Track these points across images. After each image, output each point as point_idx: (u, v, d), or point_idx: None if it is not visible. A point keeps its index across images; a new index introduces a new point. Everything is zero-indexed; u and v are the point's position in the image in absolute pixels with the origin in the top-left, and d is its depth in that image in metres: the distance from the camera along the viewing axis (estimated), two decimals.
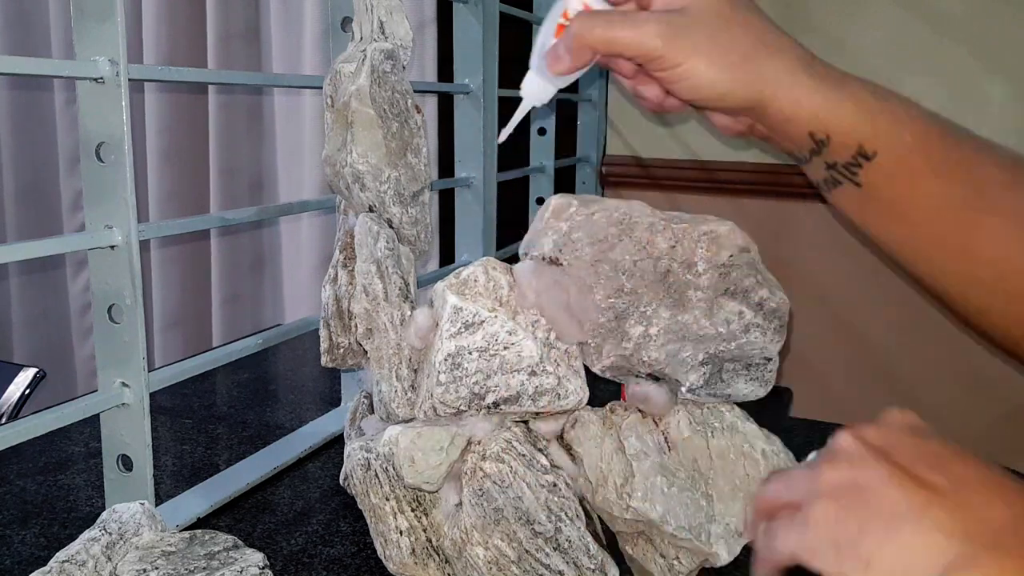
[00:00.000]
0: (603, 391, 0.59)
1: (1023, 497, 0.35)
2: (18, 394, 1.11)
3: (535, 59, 0.53)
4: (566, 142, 1.31)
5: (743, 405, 0.56)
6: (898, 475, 0.35)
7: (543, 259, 0.52)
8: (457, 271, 0.52)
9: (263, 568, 0.51)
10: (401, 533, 0.55)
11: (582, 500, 0.54)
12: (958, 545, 0.33)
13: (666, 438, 0.55)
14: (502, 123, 1.00)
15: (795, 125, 0.47)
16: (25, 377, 1.13)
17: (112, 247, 0.57)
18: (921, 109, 0.47)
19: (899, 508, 0.34)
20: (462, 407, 0.51)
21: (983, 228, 0.46)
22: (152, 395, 0.59)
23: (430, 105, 1.34)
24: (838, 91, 0.46)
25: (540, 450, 0.53)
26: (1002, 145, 0.48)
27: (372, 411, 0.61)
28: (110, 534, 0.51)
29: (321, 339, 0.63)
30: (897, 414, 0.41)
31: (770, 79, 0.46)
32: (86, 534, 0.51)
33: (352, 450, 0.57)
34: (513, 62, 1.16)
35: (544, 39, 0.52)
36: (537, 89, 0.53)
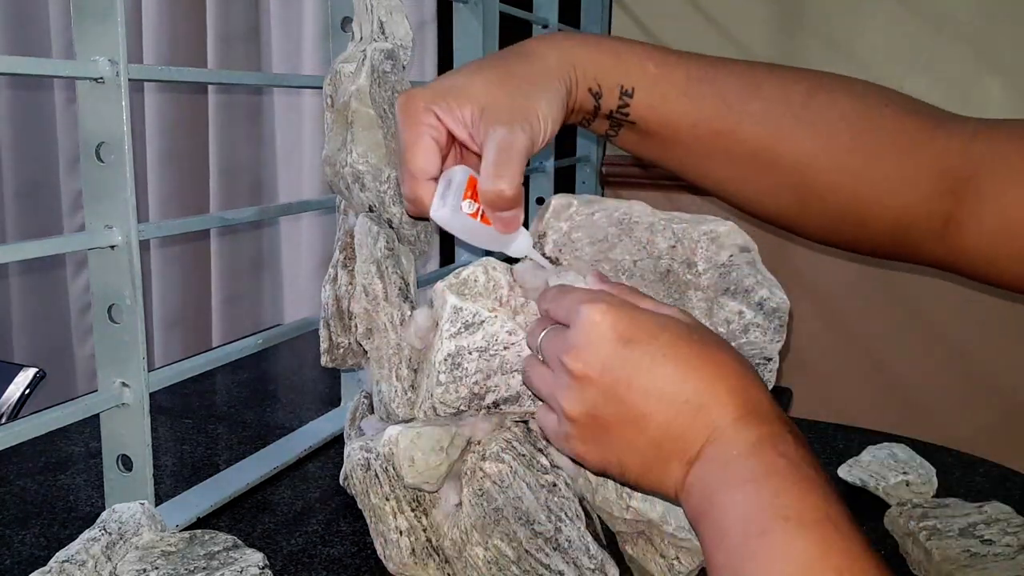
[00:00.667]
0: None
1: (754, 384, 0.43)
2: (18, 394, 1.11)
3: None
4: (566, 142, 1.31)
5: None
6: (632, 410, 0.43)
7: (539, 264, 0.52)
8: (457, 271, 0.52)
9: (263, 568, 0.51)
10: (401, 533, 0.55)
11: (582, 500, 0.54)
12: (684, 461, 0.42)
13: None
14: None
15: (580, 89, 0.54)
16: (25, 377, 1.13)
17: (112, 247, 0.57)
18: (670, 50, 0.56)
19: (644, 449, 0.43)
20: (462, 407, 0.51)
21: (734, 133, 0.54)
22: (152, 395, 0.59)
23: None
24: (598, 47, 0.54)
25: (540, 450, 0.53)
26: (759, 62, 0.57)
27: (372, 411, 0.61)
28: (110, 534, 0.51)
29: (321, 339, 0.63)
30: (599, 318, 0.44)
31: (564, 70, 0.54)
32: (86, 534, 0.51)
33: (352, 450, 0.57)
34: None
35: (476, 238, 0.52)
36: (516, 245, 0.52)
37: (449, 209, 0.50)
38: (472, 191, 0.50)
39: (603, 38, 0.56)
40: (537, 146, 0.51)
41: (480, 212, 0.50)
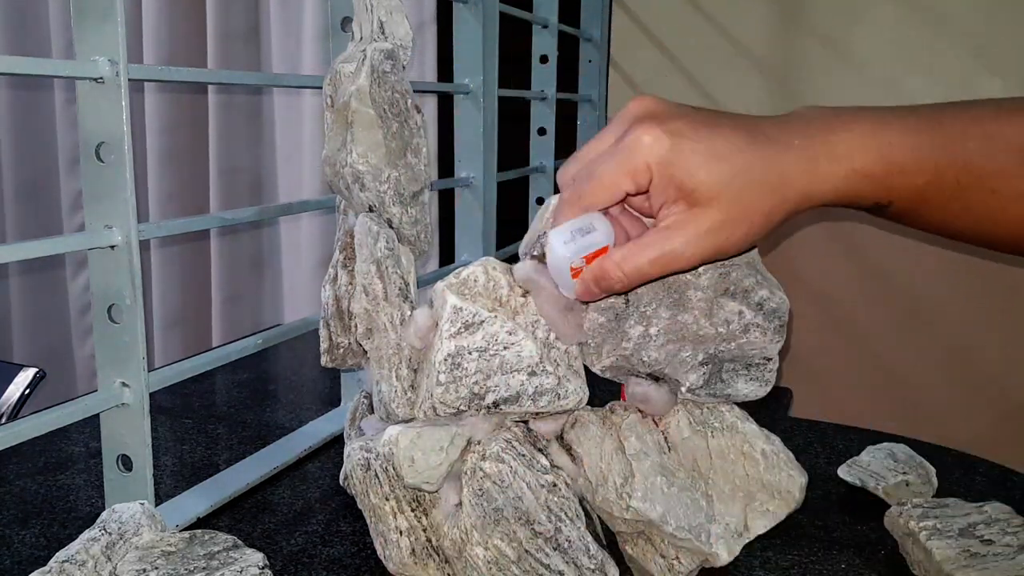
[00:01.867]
0: (603, 391, 0.59)
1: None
2: (18, 394, 1.11)
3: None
4: (566, 142, 1.31)
5: (743, 405, 0.56)
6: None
7: (543, 259, 0.52)
8: (457, 271, 0.52)
9: (263, 568, 0.51)
10: (401, 533, 0.55)
11: (582, 500, 0.54)
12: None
13: (666, 438, 0.55)
14: (502, 122, 1.00)
15: (818, 205, 0.49)
16: (25, 377, 1.13)
17: (112, 247, 0.57)
18: (934, 138, 0.49)
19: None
20: (462, 407, 0.51)
21: (998, 217, 0.49)
22: (152, 395, 0.59)
23: (430, 105, 1.34)
24: (853, 174, 0.48)
25: (540, 450, 0.53)
26: None
27: (372, 411, 0.61)
28: (110, 534, 0.51)
29: (321, 339, 0.63)
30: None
31: (780, 208, 0.48)
32: (86, 534, 0.51)
33: (352, 450, 0.57)
34: (513, 62, 1.16)
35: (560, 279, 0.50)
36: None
37: (569, 253, 0.48)
38: (594, 257, 0.48)
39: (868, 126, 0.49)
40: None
41: (580, 271, 0.49)
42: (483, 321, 0.50)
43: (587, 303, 0.52)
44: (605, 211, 0.49)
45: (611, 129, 0.49)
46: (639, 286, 0.49)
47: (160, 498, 0.64)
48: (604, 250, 0.48)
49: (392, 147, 0.59)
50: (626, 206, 0.51)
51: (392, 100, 0.60)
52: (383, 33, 0.62)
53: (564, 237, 0.48)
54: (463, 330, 0.50)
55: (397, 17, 0.62)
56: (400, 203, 0.59)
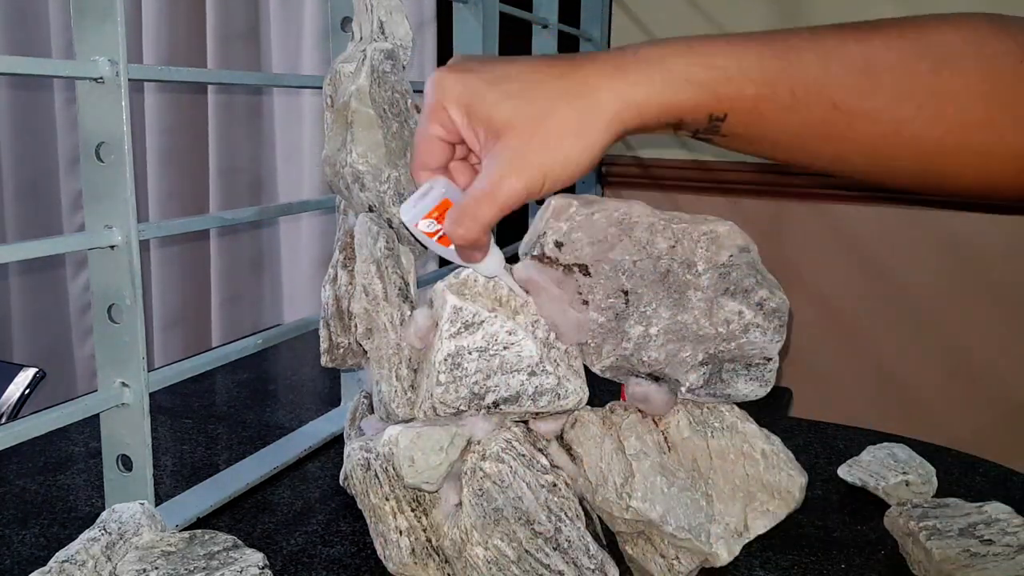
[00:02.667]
0: (603, 391, 0.59)
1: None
2: (18, 394, 1.11)
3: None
4: None
5: (743, 405, 0.56)
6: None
7: (543, 259, 0.52)
8: (457, 271, 0.52)
9: (263, 568, 0.51)
10: (401, 533, 0.55)
11: (582, 500, 0.54)
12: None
13: (666, 438, 0.55)
14: None
15: (654, 125, 0.48)
16: (25, 377, 1.13)
17: (112, 247, 0.57)
18: (770, 47, 0.48)
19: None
20: (462, 407, 0.51)
21: (846, 135, 0.48)
22: (152, 395, 0.59)
23: None
24: (675, 79, 0.46)
25: (540, 450, 0.53)
26: (878, 29, 0.49)
27: (372, 411, 0.61)
28: (110, 534, 0.51)
29: (321, 339, 0.63)
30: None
31: (616, 120, 0.47)
32: (86, 534, 0.51)
33: (352, 450, 0.57)
34: None
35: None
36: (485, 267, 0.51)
37: (410, 218, 0.49)
38: (440, 213, 0.49)
39: (682, 46, 0.48)
40: (535, 197, 0.47)
41: (440, 234, 0.49)
42: (483, 321, 0.50)
43: (472, 262, 0.51)
44: (446, 173, 0.51)
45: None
46: (488, 226, 0.48)
47: (160, 498, 0.64)
48: (446, 202, 0.49)
49: (392, 147, 0.59)
50: (470, 163, 0.52)
51: (392, 100, 0.60)
52: (383, 33, 0.62)
53: (407, 206, 0.50)
54: (463, 330, 0.50)
55: (397, 17, 0.62)
56: (400, 203, 0.59)
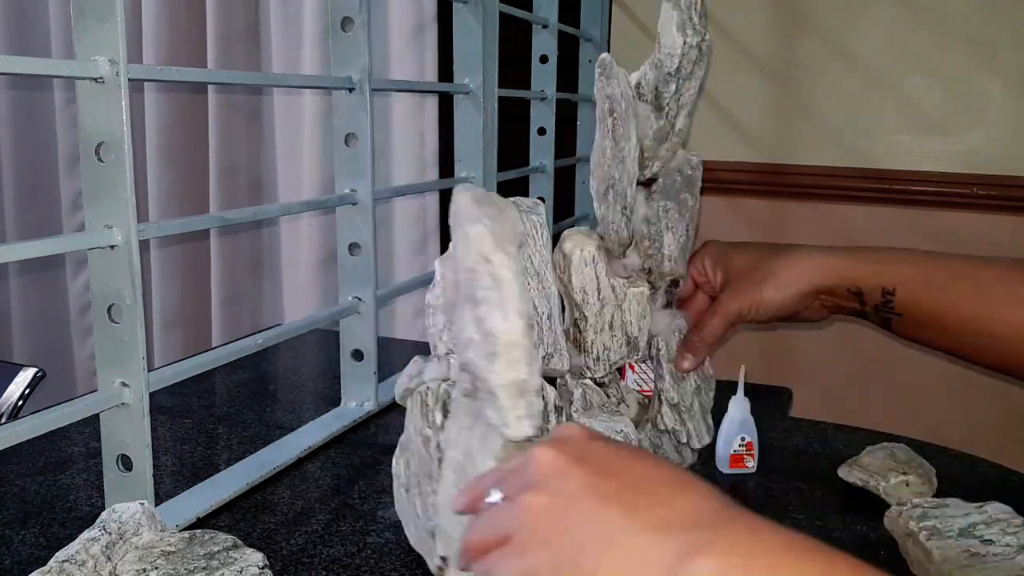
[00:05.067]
0: None
1: (699, 484, 0.37)
2: (18, 394, 1.11)
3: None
4: (566, 142, 1.31)
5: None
6: (592, 484, 0.36)
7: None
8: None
9: (263, 568, 0.51)
10: None
11: None
12: (678, 535, 0.34)
13: None
14: (502, 122, 1.00)
15: (838, 291, 0.68)
16: (25, 377, 1.13)
17: (112, 247, 0.57)
18: (917, 251, 0.68)
19: (606, 519, 0.35)
20: None
21: (995, 317, 0.63)
22: (152, 395, 0.59)
23: (430, 105, 1.34)
24: (854, 256, 0.68)
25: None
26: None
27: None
28: (110, 534, 0.51)
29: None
30: (573, 427, 0.42)
31: (805, 275, 0.68)
32: (86, 534, 0.51)
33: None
34: (513, 62, 1.16)
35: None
36: None
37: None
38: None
39: (856, 248, 0.69)
40: (745, 321, 0.69)
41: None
42: None
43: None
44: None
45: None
46: (716, 341, 0.70)
47: (160, 498, 0.64)
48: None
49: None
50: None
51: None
52: (660, 44, 0.66)
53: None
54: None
55: (666, 28, 0.66)
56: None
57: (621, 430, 0.62)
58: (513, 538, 0.37)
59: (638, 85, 0.66)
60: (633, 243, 0.68)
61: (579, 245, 0.66)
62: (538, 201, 0.64)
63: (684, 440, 0.69)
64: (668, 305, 0.71)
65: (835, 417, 0.92)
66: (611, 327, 0.67)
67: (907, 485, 0.70)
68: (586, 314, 0.66)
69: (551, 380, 0.62)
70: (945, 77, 1.21)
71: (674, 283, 0.70)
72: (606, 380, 0.70)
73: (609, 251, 0.67)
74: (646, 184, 0.69)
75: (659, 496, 0.36)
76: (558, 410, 0.58)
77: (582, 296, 0.66)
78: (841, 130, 1.27)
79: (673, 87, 0.65)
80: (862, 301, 0.67)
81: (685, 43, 0.64)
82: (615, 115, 0.63)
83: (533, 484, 0.38)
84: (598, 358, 0.67)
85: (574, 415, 0.65)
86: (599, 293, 0.66)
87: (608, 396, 0.70)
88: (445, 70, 1.30)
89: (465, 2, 0.92)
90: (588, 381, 0.68)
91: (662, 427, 0.69)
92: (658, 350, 0.70)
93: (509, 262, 0.43)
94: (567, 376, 0.67)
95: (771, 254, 0.69)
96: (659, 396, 0.70)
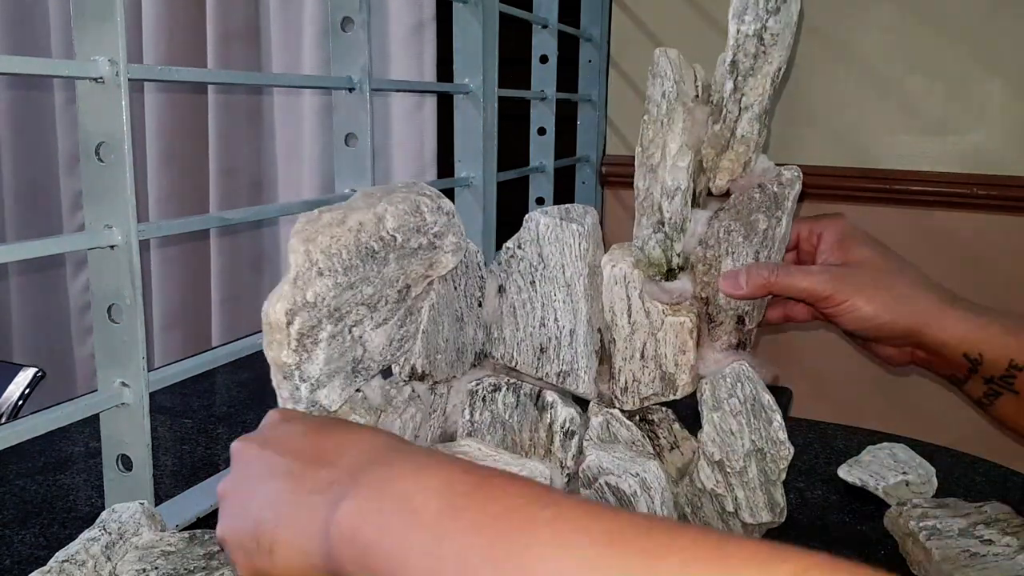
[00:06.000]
0: None
1: (373, 435, 0.40)
2: (18, 394, 1.11)
3: None
4: (566, 142, 1.31)
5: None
6: (270, 464, 0.40)
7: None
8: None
9: None
10: None
11: None
12: (336, 489, 0.37)
13: None
14: (502, 122, 1.00)
15: (950, 349, 0.56)
16: (25, 377, 1.13)
17: (112, 247, 0.57)
18: None
19: (276, 494, 0.39)
20: None
21: None
22: (152, 395, 0.59)
23: (430, 105, 1.34)
24: (982, 317, 0.56)
25: None
26: None
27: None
28: (110, 534, 0.51)
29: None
30: (273, 413, 0.48)
31: (922, 311, 0.57)
32: (86, 534, 0.51)
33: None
34: (513, 62, 1.16)
35: None
36: None
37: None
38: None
39: (986, 307, 0.58)
40: (837, 315, 0.59)
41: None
42: None
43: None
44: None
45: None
46: (767, 287, 0.58)
47: (160, 498, 0.64)
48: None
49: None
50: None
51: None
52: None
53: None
54: None
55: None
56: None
57: (637, 474, 0.54)
58: (219, 526, 0.41)
59: (708, 86, 0.59)
60: (690, 266, 0.60)
61: (613, 260, 0.59)
62: (588, 209, 0.59)
63: (731, 509, 0.59)
64: (739, 347, 0.61)
65: (835, 417, 0.92)
66: (642, 356, 0.59)
67: (907, 485, 0.70)
68: (615, 337, 0.59)
69: (583, 403, 0.61)
70: (945, 77, 1.21)
71: (739, 320, 0.60)
72: (656, 419, 0.63)
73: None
74: (718, 198, 0.61)
75: (326, 459, 0.39)
76: (568, 434, 0.58)
77: (611, 317, 0.59)
78: (841, 130, 1.27)
79: (730, 85, 0.58)
80: (974, 369, 0.56)
81: (739, 31, 0.56)
82: (645, 118, 0.58)
83: (229, 475, 0.43)
84: (626, 388, 0.60)
85: (585, 443, 0.58)
86: (630, 316, 0.59)
87: (657, 436, 0.63)
88: (444, 70, 1.30)
89: (465, 2, 0.92)
90: (616, 412, 0.60)
91: (699, 485, 0.60)
92: (701, 394, 0.60)
93: (304, 254, 0.45)
94: (592, 403, 0.61)
95: (918, 279, 0.58)
96: (699, 447, 0.60)
